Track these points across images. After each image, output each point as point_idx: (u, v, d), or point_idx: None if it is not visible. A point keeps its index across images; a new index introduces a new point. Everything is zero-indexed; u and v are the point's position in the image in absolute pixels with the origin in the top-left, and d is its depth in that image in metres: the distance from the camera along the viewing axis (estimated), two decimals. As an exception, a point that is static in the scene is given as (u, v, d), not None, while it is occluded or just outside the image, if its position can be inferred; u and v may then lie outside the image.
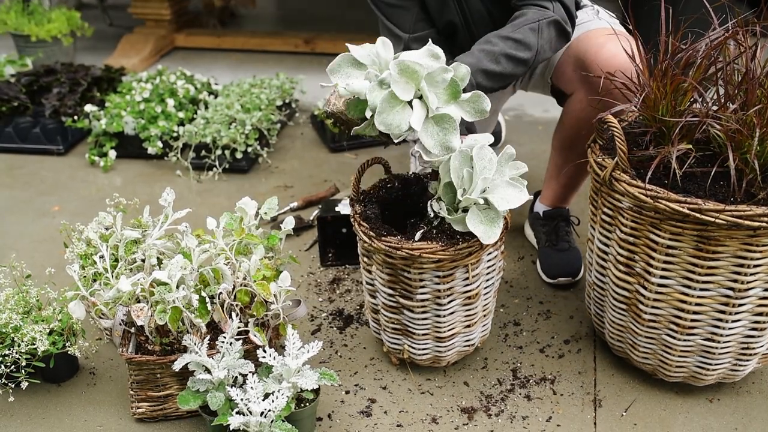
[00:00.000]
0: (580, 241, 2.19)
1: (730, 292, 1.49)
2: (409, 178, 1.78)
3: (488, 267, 1.65)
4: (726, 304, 1.51)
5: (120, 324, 1.62)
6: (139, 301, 1.60)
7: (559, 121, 2.07)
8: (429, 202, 1.59)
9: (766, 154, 1.46)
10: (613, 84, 1.63)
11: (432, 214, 1.58)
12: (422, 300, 1.62)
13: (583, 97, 1.88)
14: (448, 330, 1.68)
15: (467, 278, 1.60)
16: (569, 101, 1.99)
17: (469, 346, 1.75)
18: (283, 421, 1.47)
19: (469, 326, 1.70)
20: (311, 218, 2.39)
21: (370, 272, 1.68)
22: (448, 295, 1.61)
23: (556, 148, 2.11)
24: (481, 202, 1.50)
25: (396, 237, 1.57)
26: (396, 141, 1.50)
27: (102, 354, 1.85)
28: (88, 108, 2.84)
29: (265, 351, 1.54)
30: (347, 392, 1.73)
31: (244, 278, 1.61)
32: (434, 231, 1.57)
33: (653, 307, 1.57)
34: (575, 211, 2.24)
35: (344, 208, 2.15)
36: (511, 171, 1.54)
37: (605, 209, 1.61)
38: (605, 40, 1.81)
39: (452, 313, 1.65)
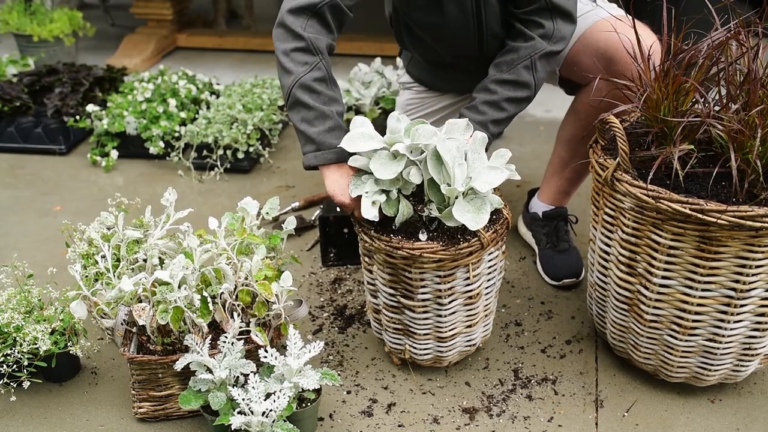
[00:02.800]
0: (581, 241, 2.19)
1: (732, 293, 1.49)
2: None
3: (489, 267, 1.65)
4: (728, 305, 1.50)
5: (122, 324, 1.62)
6: (140, 301, 1.60)
7: (570, 112, 2.00)
8: (419, 207, 1.59)
9: (768, 154, 1.46)
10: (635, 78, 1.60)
11: (426, 220, 1.59)
12: (423, 300, 1.62)
13: (603, 87, 1.78)
14: (450, 330, 1.67)
15: (468, 278, 1.60)
16: (585, 92, 1.92)
17: (470, 346, 1.75)
18: (284, 421, 1.47)
19: (470, 326, 1.70)
20: (313, 218, 2.39)
21: (371, 272, 1.68)
22: (449, 295, 1.61)
23: (564, 141, 2.04)
24: (463, 189, 1.51)
25: (397, 237, 1.57)
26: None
27: (104, 354, 1.85)
28: (90, 108, 2.84)
29: (266, 351, 1.54)
30: (349, 392, 1.73)
31: (246, 278, 1.61)
32: (435, 232, 1.57)
33: (655, 307, 1.57)
34: (573, 210, 2.23)
35: (346, 208, 2.15)
36: (495, 159, 1.57)
37: (607, 209, 1.61)
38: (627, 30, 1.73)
39: (453, 313, 1.65)
